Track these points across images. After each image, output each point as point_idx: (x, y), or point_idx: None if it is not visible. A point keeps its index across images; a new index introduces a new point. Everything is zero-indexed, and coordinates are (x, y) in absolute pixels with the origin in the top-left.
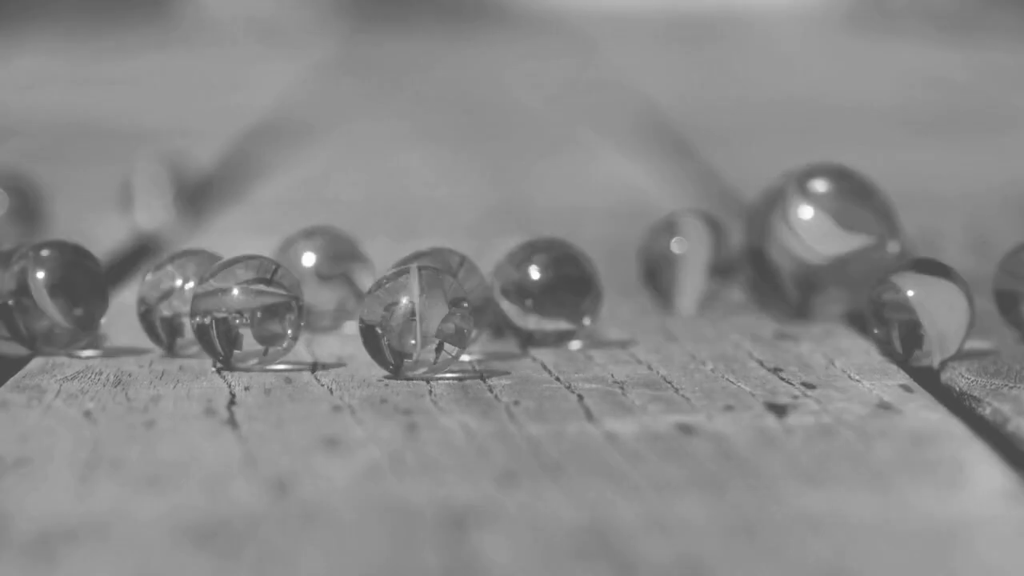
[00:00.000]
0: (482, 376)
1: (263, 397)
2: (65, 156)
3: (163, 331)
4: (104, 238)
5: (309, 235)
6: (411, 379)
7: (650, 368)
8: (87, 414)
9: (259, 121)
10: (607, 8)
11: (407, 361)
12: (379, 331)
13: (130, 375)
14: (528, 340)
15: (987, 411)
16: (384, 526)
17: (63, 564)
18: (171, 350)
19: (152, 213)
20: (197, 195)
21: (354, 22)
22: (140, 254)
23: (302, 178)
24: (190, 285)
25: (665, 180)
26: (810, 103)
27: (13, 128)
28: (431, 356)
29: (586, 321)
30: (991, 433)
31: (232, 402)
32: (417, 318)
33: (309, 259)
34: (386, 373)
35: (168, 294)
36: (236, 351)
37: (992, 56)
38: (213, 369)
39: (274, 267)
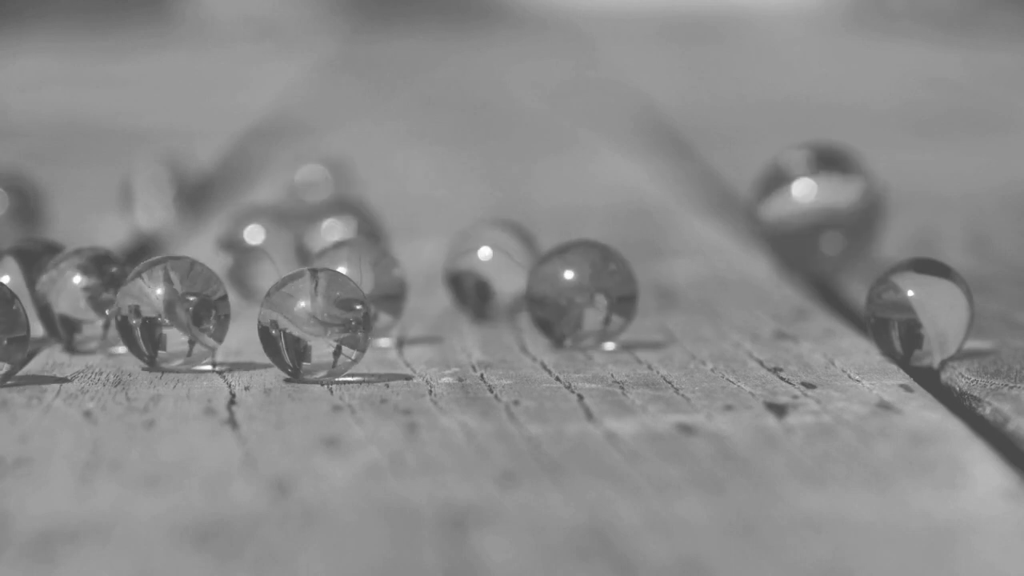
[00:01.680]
0: (482, 376)
1: (263, 397)
2: (65, 156)
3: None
4: (104, 238)
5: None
6: (311, 382)
7: (650, 368)
8: (87, 414)
9: (259, 121)
10: (607, 8)
11: (305, 364)
12: (275, 334)
13: (130, 375)
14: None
15: (987, 411)
16: (384, 526)
17: (63, 564)
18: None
19: (152, 213)
20: (197, 195)
21: (355, 22)
22: (140, 254)
23: None
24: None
25: (665, 180)
26: (809, 103)
27: (13, 128)
28: (329, 360)
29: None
30: (991, 433)
31: (232, 402)
32: (312, 322)
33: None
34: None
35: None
36: (160, 351)
37: (992, 56)
38: (213, 369)
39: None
